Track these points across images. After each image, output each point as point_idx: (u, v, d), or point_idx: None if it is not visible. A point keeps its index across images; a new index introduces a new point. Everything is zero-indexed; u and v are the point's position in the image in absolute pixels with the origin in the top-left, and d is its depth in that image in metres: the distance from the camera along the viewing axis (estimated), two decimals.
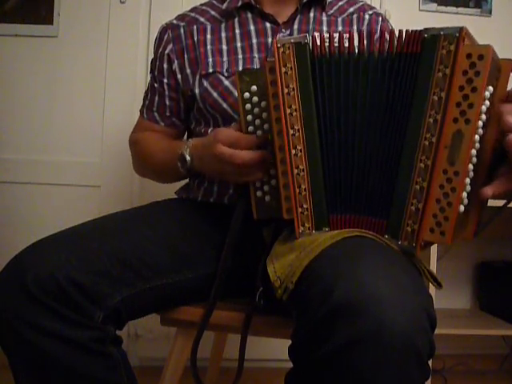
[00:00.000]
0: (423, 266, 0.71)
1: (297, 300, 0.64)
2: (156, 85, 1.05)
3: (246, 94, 0.76)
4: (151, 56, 1.08)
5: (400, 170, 0.66)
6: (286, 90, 0.70)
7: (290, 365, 0.63)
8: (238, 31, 0.99)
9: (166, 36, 1.03)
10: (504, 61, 0.64)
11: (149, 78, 1.08)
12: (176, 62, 1.01)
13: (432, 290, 1.28)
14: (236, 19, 1.00)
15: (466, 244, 1.73)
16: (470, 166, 0.62)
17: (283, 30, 0.98)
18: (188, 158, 0.85)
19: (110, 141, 1.60)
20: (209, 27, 1.01)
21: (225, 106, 0.95)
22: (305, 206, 0.71)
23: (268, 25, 0.99)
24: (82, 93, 1.61)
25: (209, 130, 0.98)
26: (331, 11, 1.02)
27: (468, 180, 0.62)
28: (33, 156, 1.61)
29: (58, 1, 1.60)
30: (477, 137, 0.61)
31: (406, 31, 0.66)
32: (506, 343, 1.76)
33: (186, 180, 1.06)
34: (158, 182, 1.12)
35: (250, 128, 0.76)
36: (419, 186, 0.64)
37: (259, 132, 0.76)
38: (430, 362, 0.59)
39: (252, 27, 0.99)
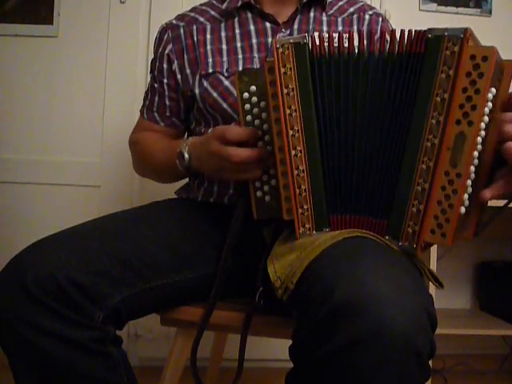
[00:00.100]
0: (424, 266, 0.71)
1: (297, 300, 0.64)
2: (156, 85, 1.04)
3: (246, 95, 0.76)
4: (151, 56, 1.08)
5: (401, 171, 0.66)
6: (285, 91, 0.70)
7: (290, 365, 0.63)
8: (237, 31, 0.99)
9: (165, 36, 1.03)
10: (507, 62, 0.63)
11: (149, 78, 1.08)
12: (176, 62, 1.01)
13: (432, 289, 1.28)
14: (236, 19, 1.00)
15: (466, 244, 1.73)
16: (472, 168, 0.62)
17: (283, 30, 0.98)
18: (186, 155, 0.85)
19: (110, 141, 1.60)
20: (208, 27, 1.01)
21: (225, 106, 0.95)
22: (305, 207, 0.71)
23: (268, 25, 0.99)
24: (81, 93, 1.61)
25: (209, 131, 0.98)
26: (331, 11, 1.02)
27: (469, 182, 0.62)
28: (33, 156, 1.61)
29: (58, 1, 1.60)
30: (479, 139, 0.61)
31: (410, 31, 0.65)
32: (506, 343, 1.76)
33: (186, 180, 1.06)
34: (158, 182, 1.12)
35: None
36: (421, 187, 0.64)
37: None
38: (430, 362, 0.59)
39: (252, 27, 0.98)
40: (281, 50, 0.69)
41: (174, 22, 1.04)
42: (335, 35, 0.69)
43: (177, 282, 0.82)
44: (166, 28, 1.03)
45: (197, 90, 0.97)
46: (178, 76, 1.01)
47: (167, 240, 0.84)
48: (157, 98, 1.05)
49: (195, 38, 1.00)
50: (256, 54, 0.96)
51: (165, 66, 1.02)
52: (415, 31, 0.65)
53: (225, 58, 0.97)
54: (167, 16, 1.10)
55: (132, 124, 1.13)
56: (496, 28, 1.71)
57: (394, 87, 0.67)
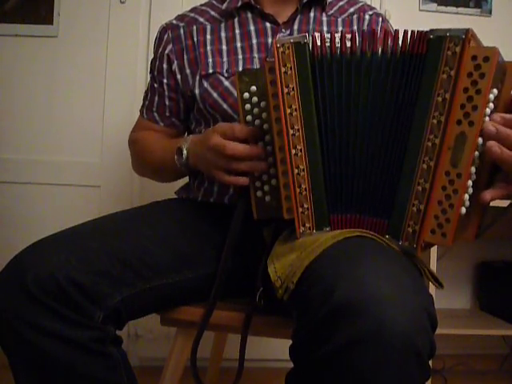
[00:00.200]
0: (424, 266, 0.71)
1: (297, 300, 0.64)
2: (156, 85, 1.04)
3: (246, 95, 0.76)
4: (151, 56, 1.08)
5: (402, 171, 0.66)
6: (285, 90, 0.70)
7: (291, 365, 0.63)
8: (237, 31, 0.99)
9: (165, 36, 1.03)
10: (510, 63, 0.63)
11: (149, 78, 1.08)
12: (176, 62, 1.01)
13: (432, 289, 1.28)
14: (236, 19, 1.00)
15: (466, 244, 1.73)
16: (473, 169, 0.62)
17: (283, 30, 0.98)
18: (185, 152, 0.85)
19: (110, 141, 1.60)
20: (208, 27, 1.01)
21: (225, 106, 0.95)
22: (305, 206, 0.71)
23: (268, 25, 0.99)
24: (81, 93, 1.61)
25: None
26: (331, 11, 1.02)
27: (470, 182, 0.62)
28: (33, 156, 1.61)
29: (58, 1, 1.60)
30: (480, 139, 0.61)
31: (412, 32, 0.65)
32: (506, 343, 1.76)
33: (186, 180, 1.06)
34: (157, 181, 1.12)
35: None
36: (421, 187, 0.64)
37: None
38: (430, 362, 0.59)
39: (252, 27, 0.98)
40: (281, 50, 0.69)
41: (174, 22, 1.04)
42: (337, 35, 0.69)
43: (177, 282, 0.82)
44: (166, 28, 1.03)
45: (197, 91, 0.97)
46: (178, 76, 1.01)
47: (167, 240, 0.84)
48: (156, 98, 1.05)
49: (195, 39, 1.00)
50: (256, 55, 0.96)
51: (165, 66, 1.02)
52: (417, 32, 0.65)
53: (225, 59, 0.97)
54: (167, 16, 1.10)
55: (132, 124, 1.13)
56: (496, 28, 1.71)
57: (396, 87, 0.67)
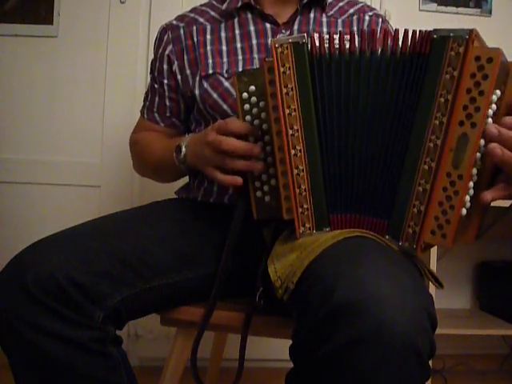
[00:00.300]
0: (424, 266, 0.71)
1: (297, 300, 0.64)
2: (156, 85, 1.04)
3: (245, 95, 0.76)
4: (151, 56, 1.08)
5: (403, 171, 0.66)
6: (284, 90, 0.70)
7: (291, 365, 0.63)
8: (237, 32, 0.99)
9: (165, 37, 1.03)
10: None
11: (149, 79, 1.08)
12: (176, 62, 1.01)
13: (432, 289, 1.28)
14: (236, 19, 1.00)
15: (466, 244, 1.73)
16: (474, 170, 0.61)
17: (283, 31, 0.98)
18: (183, 149, 0.86)
19: (110, 141, 1.60)
20: (208, 28, 1.00)
21: (225, 107, 0.95)
22: (305, 206, 0.71)
23: (268, 25, 0.99)
24: (81, 93, 1.61)
25: None
26: (331, 12, 1.02)
27: (471, 184, 0.62)
28: (33, 156, 1.61)
29: (58, 1, 1.60)
30: (482, 141, 0.60)
31: (414, 31, 0.65)
32: (506, 343, 1.77)
33: (186, 180, 1.06)
34: (158, 182, 1.12)
35: None
36: (422, 187, 0.64)
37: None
38: (430, 362, 0.59)
39: (252, 28, 0.98)
40: (280, 50, 0.69)
41: (174, 22, 1.04)
42: (336, 36, 0.69)
43: (177, 282, 0.82)
44: (166, 29, 1.03)
45: (197, 91, 0.97)
46: (178, 77, 1.01)
47: (167, 240, 0.84)
48: (157, 99, 1.05)
49: (195, 39, 1.00)
50: (256, 55, 0.96)
51: (165, 66, 1.02)
52: (420, 31, 0.65)
53: (225, 59, 0.97)
54: (167, 16, 1.10)
55: (132, 124, 1.13)
56: (496, 28, 1.71)
57: (397, 87, 0.67)
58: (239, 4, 0.99)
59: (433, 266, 1.42)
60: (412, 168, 0.65)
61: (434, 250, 1.41)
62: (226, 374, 1.14)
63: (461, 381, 1.63)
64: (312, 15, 1.00)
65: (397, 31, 0.67)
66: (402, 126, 0.67)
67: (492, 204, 0.63)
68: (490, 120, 0.60)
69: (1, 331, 0.69)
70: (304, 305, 0.60)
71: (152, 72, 1.06)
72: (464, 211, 0.62)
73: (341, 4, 1.04)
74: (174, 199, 1.02)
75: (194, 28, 1.01)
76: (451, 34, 0.61)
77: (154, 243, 0.81)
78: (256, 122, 0.76)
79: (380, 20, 1.03)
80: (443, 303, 1.74)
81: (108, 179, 1.61)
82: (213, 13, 1.03)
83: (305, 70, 0.69)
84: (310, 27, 0.99)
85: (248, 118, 0.76)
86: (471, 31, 0.60)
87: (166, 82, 1.03)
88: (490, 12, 1.74)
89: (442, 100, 0.62)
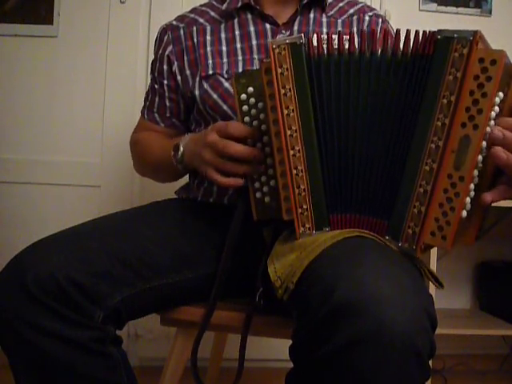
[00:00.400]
0: (424, 266, 0.71)
1: (297, 300, 0.64)
2: (156, 86, 1.04)
3: (243, 96, 0.76)
4: (151, 56, 1.08)
5: (404, 172, 0.65)
6: (282, 91, 0.69)
7: (291, 365, 0.63)
8: (237, 32, 0.99)
9: (165, 37, 1.02)
10: None
11: (149, 79, 1.08)
12: (176, 63, 1.01)
13: (432, 289, 1.28)
14: (236, 20, 1.00)
15: (466, 245, 1.73)
16: (476, 172, 0.61)
17: (283, 32, 0.98)
18: (181, 148, 0.86)
19: (110, 141, 1.60)
20: (208, 28, 1.00)
21: (225, 107, 0.95)
22: (304, 207, 0.71)
23: (268, 26, 0.99)
24: (81, 93, 1.61)
25: None
26: (331, 12, 1.02)
27: (472, 186, 0.61)
28: (33, 156, 1.61)
29: (58, 1, 1.60)
30: (484, 143, 0.60)
31: (417, 32, 0.65)
32: (506, 343, 1.76)
33: (186, 180, 1.06)
34: (158, 182, 1.12)
35: None
36: (423, 189, 0.64)
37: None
38: (430, 362, 0.59)
39: (252, 28, 0.98)
40: (277, 51, 0.69)
41: (174, 23, 1.04)
42: (334, 36, 0.69)
43: (177, 282, 0.82)
44: (166, 29, 1.03)
45: (197, 92, 0.97)
46: (178, 77, 1.01)
47: (167, 240, 0.84)
48: (157, 99, 1.05)
49: (195, 40, 1.00)
50: (256, 56, 0.96)
51: (165, 67, 1.02)
52: (423, 32, 0.64)
53: (225, 60, 0.97)
54: (167, 16, 1.10)
55: (132, 124, 1.13)
56: (496, 28, 1.71)
57: (398, 88, 0.66)
58: (239, 4, 0.99)
59: (433, 266, 1.42)
60: (413, 169, 0.64)
61: (433, 250, 1.41)
62: (226, 374, 1.14)
63: (461, 381, 1.63)
64: (312, 15, 1.00)
65: (398, 32, 0.66)
66: (404, 127, 0.66)
67: (493, 204, 0.63)
68: (492, 122, 0.60)
69: (1, 331, 0.69)
70: (304, 305, 0.60)
71: (152, 72, 1.06)
72: (464, 213, 0.62)
73: (341, 4, 1.04)
74: (173, 199, 1.02)
75: (194, 28, 1.01)
76: (455, 35, 0.61)
77: (153, 243, 0.81)
78: (255, 122, 0.76)
79: (380, 20, 1.03)
80: (443, 303, 1.74)
81: (108, 179, 1.61)
82: (213, 13, 1.03)
83: (303, 71, 0.69)
84: (310, 27, 0.99)
85: (247, 119, 0.76)
86: (475, 32, 0.60)
87: (165, 82, 1.03)
88: (490, 12, 1.74)
89: (445, 101, 0.62)
